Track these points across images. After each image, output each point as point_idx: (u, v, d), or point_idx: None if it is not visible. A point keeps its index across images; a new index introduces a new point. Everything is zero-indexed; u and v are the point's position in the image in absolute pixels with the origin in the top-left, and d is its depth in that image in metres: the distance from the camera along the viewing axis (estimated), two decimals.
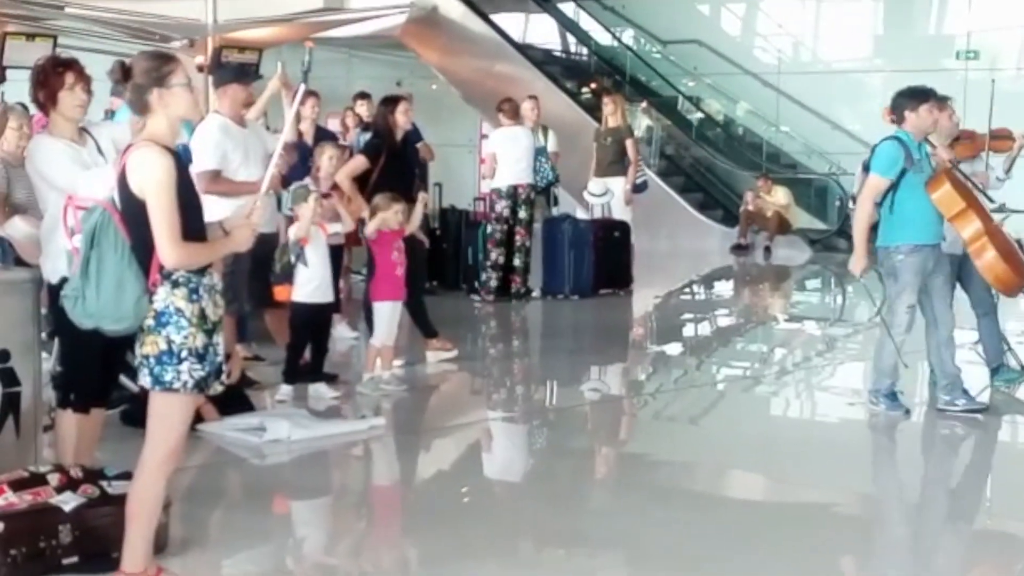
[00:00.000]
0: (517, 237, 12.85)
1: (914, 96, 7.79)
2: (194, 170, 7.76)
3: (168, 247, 4.30)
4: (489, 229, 12.92)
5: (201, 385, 4.42)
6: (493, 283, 12.91)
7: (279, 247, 8.35)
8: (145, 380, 4.42)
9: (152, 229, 4.30)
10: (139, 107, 4.50)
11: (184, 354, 4.36)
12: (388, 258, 8.53)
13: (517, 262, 12.93)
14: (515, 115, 13.00)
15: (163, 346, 4.36)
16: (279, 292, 8.30)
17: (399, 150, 9.73)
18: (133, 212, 4.35)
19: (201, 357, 4.40)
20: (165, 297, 4.36)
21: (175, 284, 4.36)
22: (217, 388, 4.57)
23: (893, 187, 7.69)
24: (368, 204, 8.94)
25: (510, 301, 12.91)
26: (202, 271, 4.43)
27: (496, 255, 12.90)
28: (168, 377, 4.37)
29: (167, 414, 4.45)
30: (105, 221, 4.40)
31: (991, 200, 8.12)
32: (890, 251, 7.77)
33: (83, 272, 4.41)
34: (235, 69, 8.96)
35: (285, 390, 8.20)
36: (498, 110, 13.18)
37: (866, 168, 7.90)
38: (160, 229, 4.30)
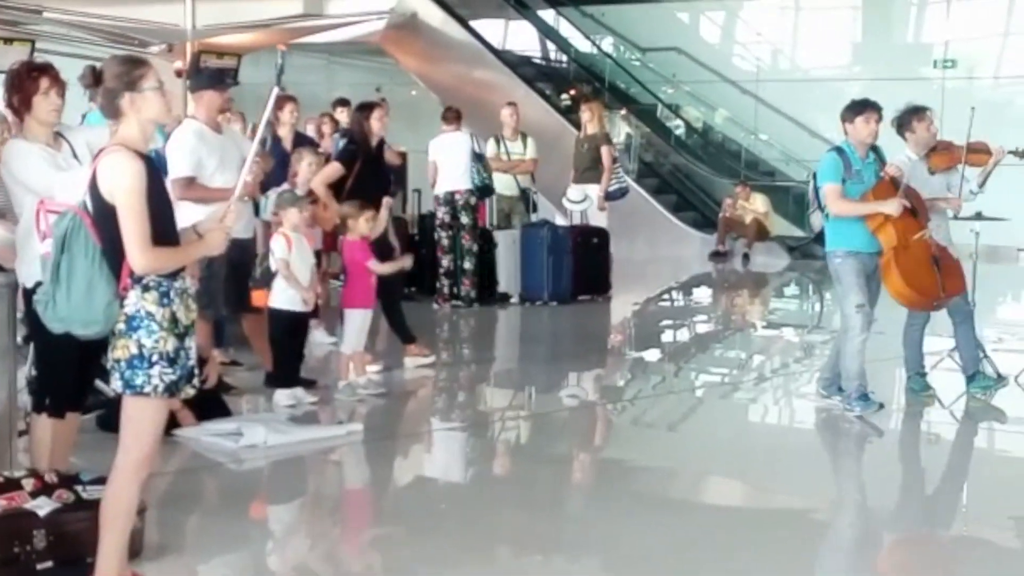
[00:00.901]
0: (463, 242, 12.86)
1: (851, 108, 8.07)
2: (169, 176, 7.75)
3: (138, 252, 4.29)
4: (436, 236, 12.94)
5: (172, 389, 4.41)
6: (445, 289, 12.93)
7: (261, 252, 8.35)
8: (116, 384, 4.41)
9: (122, 234, 4.30)
10: (111, 111, 4.50)
11: (155, 358, 4.35)
12: (363, 267, 8.51)
13: (467, 265, 12.91)
14: (455, 121, 13.07)
15: (134, 350, 4.35)
16: (257, 297, 8.30)
17: (374, 156, 9.72)
18: (104, 217, 4.34)
19: (172, 361, 4.39)
20: (136, 301, 4.35)
21: (145, 288, 4.35)
22: (189, 392, 4.55)
23: None
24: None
25: (490, 306, 12.91)
26: (174, 275, 4.43)
27: (447, 262, 12.93)
28: (139, 381, 4.36)
29: (139, 418, 4.44)
30: (76, 225, 4.39)
31: (915, 213, 8.14)
32: (830, 255, 8.10)
33: (53, 276, 4.41)
34: (211, 75, 8.96)
35: (286, 394, 8.19)
36: (442, 118, 13.27)
37: (814, 176, 8.21)
38: (130, 234, 4.29)
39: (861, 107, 8.00)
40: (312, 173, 9.29)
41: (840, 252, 8.00)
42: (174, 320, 4.40)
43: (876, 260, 8.02)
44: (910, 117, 8.40)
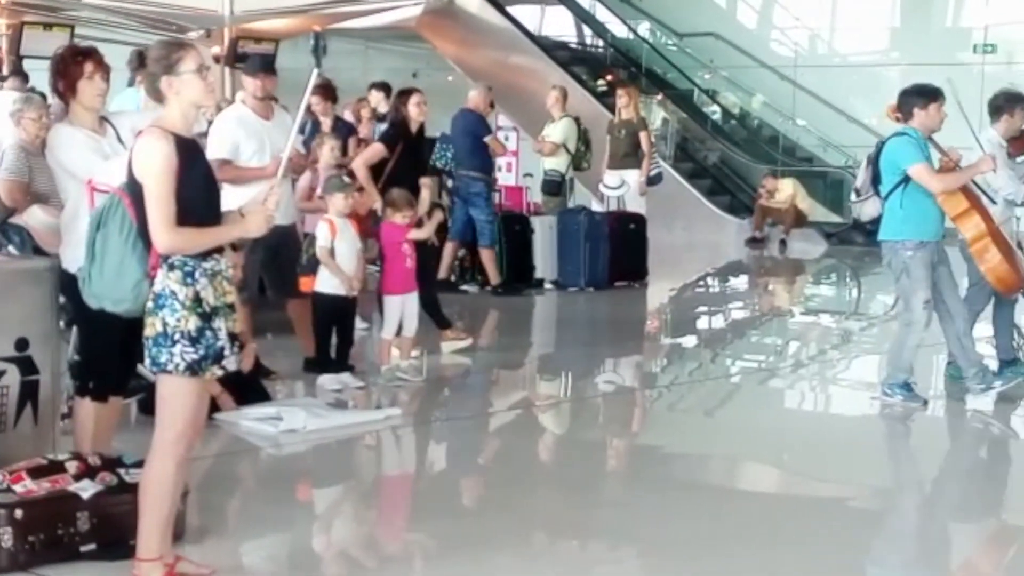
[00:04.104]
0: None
1: (923, 94, 7.82)
2: (214, 144, 7.89)
3: (160, 232, 4.36)
4: None
5: (194, 368, 4.42)
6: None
7: (308, 238, 8.41)
8: (147, 361, 4.48)
9: (147, 213, 4.37)
10: (154, 94, 4.59)
11: (177, 336, 4.39)
12: (397, 251, 8.54)
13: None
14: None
15: (159, 328, 4.41)
16: (304, 283, 8.36)
17: (414, 142, 9.74)
18: (138, 196, 4.42)
19: (194, 340, 4.41)
20: (162, 280, 4.41)
21: (171, 267, 4.41)
22: (216, 373, 4.54)
23: (904, 182, 7.72)
24: (381, 195, 8.97)
25: (526, 292, 12.93)
26: (205, 255, 4.46)
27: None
28: (163, 359, 4.41)
29: (170, 396, 4.49)
30: (114, 204, 4.51)
31: (993, 202, 8.08)
32: (896, 247, 7.81)
33: (89, 252, 4.54)
34: (250, 61, 9.01)
35: (332, 379, 8.22)
36: None
37: (872, 162, 7.95)
38: (153, 214, 4.36)
39: (934, 94, 7.77)
40: (334, 158, 9.33)
41: (911, 243, 7.73)
42: (197, 300, 4.42)
43: (940, 247, 7.85)
44: (1013, 104, 8.27)
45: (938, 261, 7.85)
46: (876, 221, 7.98)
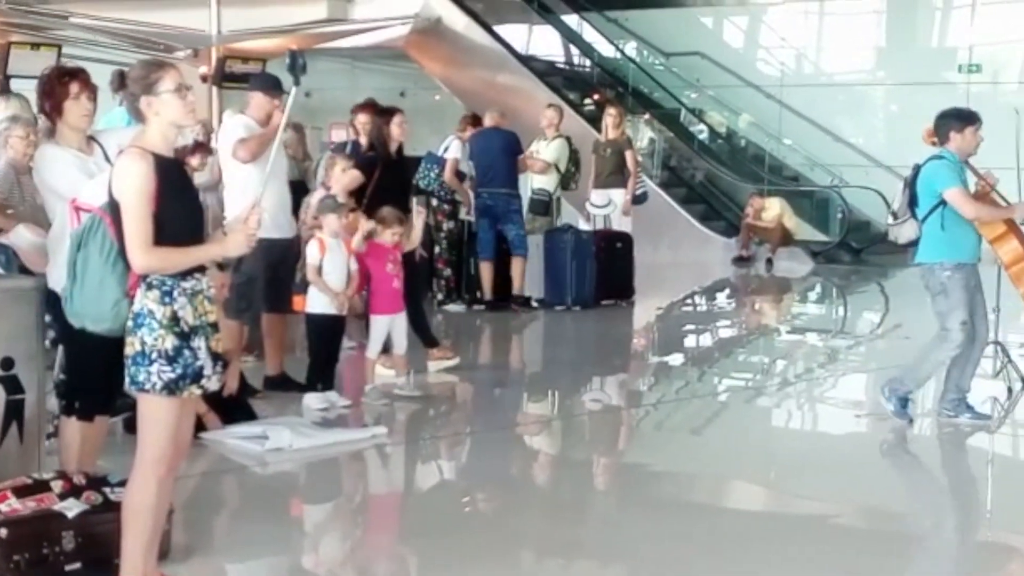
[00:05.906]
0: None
1: (960, 117, 7.87)
2: (229, 145, 8.21)
3: (136, 252, 4.37)
4: None
5: (171, 387, 4.42)
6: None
7: (302, 258, 8.44)
8: (127, 380, 4.49)
9: (124, 233, 4.38)
10: (135, 115, 4.61)
11: (154, 356, 4.40)
12: (383, 272, 8.54)
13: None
14: (461, 128, 13.20)
15: (138, 347, 4.41)
16: (297, 302, 8.39)
17: (394, 162, 9.78)
18: (118, 216, 4.43)
19: (172, 359, 4.41)
20: (140, 299, 4.42)
21: (149, 287, 4.42)
22: (195, 392, 4.52)
23: (941, 204, 7.74)
24: (365, 216, 8.98)
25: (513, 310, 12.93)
26: (185, 275, 4.46)
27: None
28: (141, 378, 4.42)
29: (150, 415, 4.49)
30: (95, 224, 4.55)
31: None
32: (935, 268, 7.82)
33: (70, 272, 4.60)
34: (265, 79, 9.07)
35: (318, 398, 8.19)
36: None
37: (908, 185, 7.93)
38: (129, 234, 4.37)
39: (970, 118, 7.83)
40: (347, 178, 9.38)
41: (949, 265, 7.75)
42: (175, 319, 4.42)
43: (976, 270, 7.88)
44: None
45: (974, 285, 7.87)
46: (915, 243, 7.96)
